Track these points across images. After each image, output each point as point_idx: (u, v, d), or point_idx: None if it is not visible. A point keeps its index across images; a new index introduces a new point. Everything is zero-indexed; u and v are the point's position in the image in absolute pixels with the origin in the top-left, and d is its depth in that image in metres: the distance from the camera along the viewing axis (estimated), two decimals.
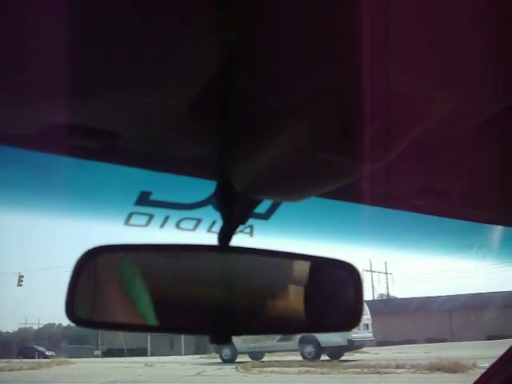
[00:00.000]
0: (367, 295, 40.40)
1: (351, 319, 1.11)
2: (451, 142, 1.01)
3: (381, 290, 45.48)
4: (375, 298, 42.65)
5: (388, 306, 34.82)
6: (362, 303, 1.10)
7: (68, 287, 0.95)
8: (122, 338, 35.62)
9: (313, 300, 1.09)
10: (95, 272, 1.00)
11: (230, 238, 1.06)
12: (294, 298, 1.10)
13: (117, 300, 1.02)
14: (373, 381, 13.05)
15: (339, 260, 1.10)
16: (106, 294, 1.03)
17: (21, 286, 37.10)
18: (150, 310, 1.02)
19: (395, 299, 40.99)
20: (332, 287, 1.13)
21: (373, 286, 42.38)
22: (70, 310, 0.95)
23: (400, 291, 64.62)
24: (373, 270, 41.72)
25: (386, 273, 43.22)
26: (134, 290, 1.01)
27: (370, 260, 40.55)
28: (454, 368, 13.33)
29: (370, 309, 19.80)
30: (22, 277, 37.02)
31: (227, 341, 1.04)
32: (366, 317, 19.96)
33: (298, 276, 1.13)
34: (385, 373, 14.06)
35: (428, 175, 1.14)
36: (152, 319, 1.02)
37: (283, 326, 1.13)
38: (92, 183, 1.16)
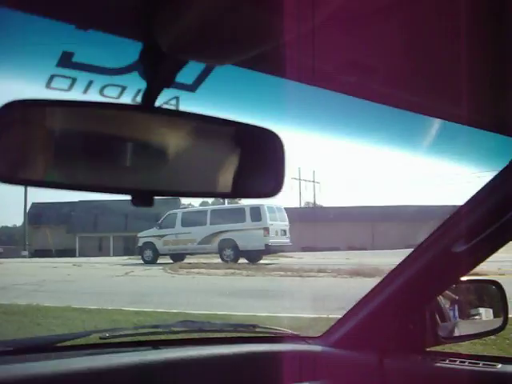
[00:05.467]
0: (294, 203, 41.51)
1: (274, 186, 1.13)
2: (380, 11, 0.99)
3: (308, 198, 46.69)
4: (302, 205, 43.84)
5: (313, 214, 35.92)
6: (284, 171, 1.11)
7: None
8: (51, 239, 35.35)
9: (237, 166, 1.09)
10: (16, 127, 0.96)
11: (154, 100, 1.04)
12: (219, 163, 1.11)
13: (40, 157, 0.99)
14: (295, 283, 13.64)
15: (264, 128, 1.11)
16: (30, 150, 0.99)
17: None
18: (73, 167, 1.00)
19: (321, 207, 42.31)
20: (256, 154, 1.13)
21: (300, 194, 43.43)
22: None
23: (327, 200, 66.38)
24: (301, 178, 42.57)
25: (313, 181, 44.17)
26: (55, 146, 0.98)
27: (299, 168, 41.41)
28: (373, 273, 14.02)
29: (296, 216, 20.50)
30: None
31: (149, 203, 1.03)
32: (284, 223, 21.27)
33: (223, 142, 1.13)
34: (307, 276, 14.69)
35: (355, 47, 1.12)
36: (74, 177, 1.01)
37: (207, 190, 1.14)
38: (8, 36, 1.10)
